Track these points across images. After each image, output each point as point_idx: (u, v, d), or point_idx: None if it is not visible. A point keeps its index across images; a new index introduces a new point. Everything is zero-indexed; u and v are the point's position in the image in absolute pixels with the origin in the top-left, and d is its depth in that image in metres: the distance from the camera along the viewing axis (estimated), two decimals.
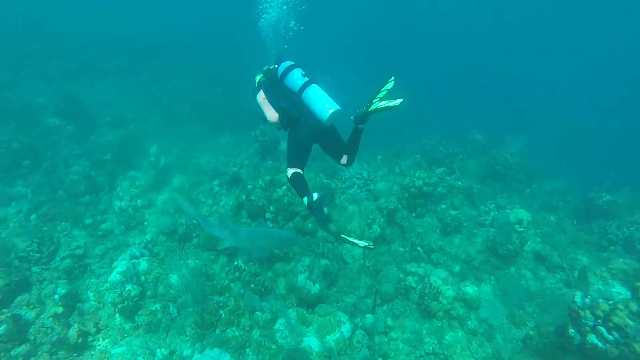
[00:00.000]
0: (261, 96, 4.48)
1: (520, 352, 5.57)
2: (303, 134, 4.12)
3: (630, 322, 4.21)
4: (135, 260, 5.93)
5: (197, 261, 6.78)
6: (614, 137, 17.79)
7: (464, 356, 5.58)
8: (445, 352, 5.52)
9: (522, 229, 7.83)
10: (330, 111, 3.88)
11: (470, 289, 6.20)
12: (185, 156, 12.00)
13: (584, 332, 4.41)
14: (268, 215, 8.14)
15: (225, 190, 10.11)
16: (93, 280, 6.24)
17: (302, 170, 4.12)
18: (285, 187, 8.29)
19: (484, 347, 5.66)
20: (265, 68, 4.56)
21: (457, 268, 6.95)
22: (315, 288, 5.94)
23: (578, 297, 4.71)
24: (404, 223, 8.57)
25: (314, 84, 4.12)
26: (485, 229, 8.58)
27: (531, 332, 5.55)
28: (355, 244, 3.70)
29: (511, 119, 17.11)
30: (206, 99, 16.43)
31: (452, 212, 8.77)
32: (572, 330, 4.50)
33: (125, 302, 5.34)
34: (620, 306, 4.34)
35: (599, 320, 4.36)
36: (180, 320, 5.27)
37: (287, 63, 4.37)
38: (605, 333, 4.24)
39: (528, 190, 11.36)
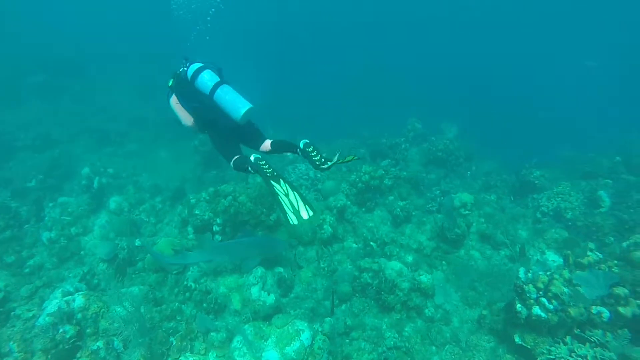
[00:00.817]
0: (174, 100, 4.46)
1: (476, 332, 5.77)
2: (221, 133, 4.24)
3: (565, 289, 4.47)
4: (69, 297, 5.39)
5: (142, 287, 6.34)
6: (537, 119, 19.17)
7: (425, 345, 5.68)
8: (407, 344, 5.57)
9: (466, 212, 8.14)
10: (243, 110, 4.00)
11: (424, 278, 6.32)
12: (122, 175, 11.27)
13: (529, 305, 4.62)
14: (215, 228, 7.82)
15: (169, 206, 9.61)
16: (18, 327, 5.55)
17: (241, 154, 4.26)
18: (230, 197, 8.00)
19: (442, 333, 5.79)
20: (175, 72, 4.52)
21: (410, 258, 7.07)
22: (271, 299, 5.77)
23: (521, 272, 4.93)
24: (354, 219, 8.60)
25: (224, 85, 4.15)
26: (433, 216, 8.83)
27: (484, 312, 5.76)
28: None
29: (445, 107, 17.85)
30: (140, 114, 15.57)
31: (401, 203, 8.93)
32: (519, 305, 4.70)
33: (60, 347, 4.81)
34: (556, 276, 4.61)
35: (541, 292, 4.58)
36: (127, 356, 4.87)
37: (196, 65, 4.33)
38: (546, 303, 4.48)
39: (469, 173, 11.90)
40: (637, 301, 4.45)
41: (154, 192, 10.16)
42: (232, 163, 4.18)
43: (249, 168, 3.98)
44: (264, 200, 8.40)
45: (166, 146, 13.58)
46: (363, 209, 9.26)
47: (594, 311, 4.42)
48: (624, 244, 5.56)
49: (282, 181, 3.90)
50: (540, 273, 4.71)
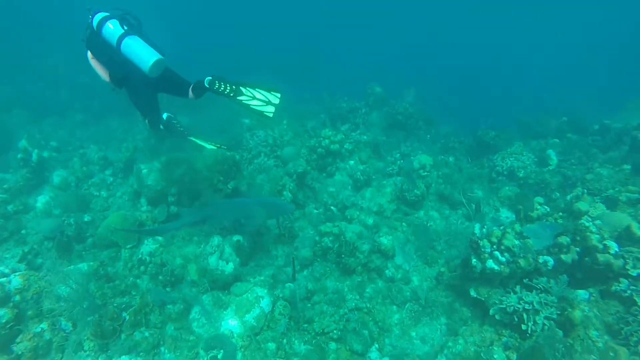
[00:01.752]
0: (89, 55, 4.22)
1: (434, 289, 5.94)
2: (138, 88, 4.04)
3: (516, 242, 4.62)
4: (4, 279, 4.98)
5: (92, 263, 6.00)
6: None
7: (385, 304, 5.78)
8: (368, 305, 5.65)
9: (425, 173, 8.24)
10: (151, 62, 3.78)
11: (384, 240, 6.37)
12: (67, 148, 10.50)
13: (483, 259, 4.75)
14: (170, 198, 7.47)
15: (121, 179, 9.09)
16: None
17: (158, 117, 4.17)
18: (184, 165, 7.63)
19: (402, 292, 5.90)
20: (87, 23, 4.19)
21: (370, 221, 7.09)
22: (229, 267, 5.62)
23: (476, 228, 5.04)
24: (315, 184, 8.50)
25: (131, 36, 3.88)
26: (393, 179, 8.88)
27: (442, 269, 5.91)
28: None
29: (405, 75, 17.80)
30: (84, 80, 14.34)
31: (361, 167, 8.92)
32: (474, 260, 4.83)
33: None
34: (509, 229, 4.74)
35: (494, 246, 4.71)
36: (76, 335, 4.62)
37: (100, 15, 4.01)
38: (499, 256, 4.62)
39: (428, 136, 12.03)
40: (577, 248, 4.67)
41: (104, 165, 9.54)
42: (147, 122, 4.10)
43: (162, 127, 3.96)
44: (220, 167, 8.09)
45: (117, 116, 12.76)
46: (324, 174, 9.17)
47: (540, 260, 4.61)
48: (568, 197, 5.80)
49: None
50: (494, 228, 4.83)
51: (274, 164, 9.60)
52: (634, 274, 4.24)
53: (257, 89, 3.92)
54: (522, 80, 19.80)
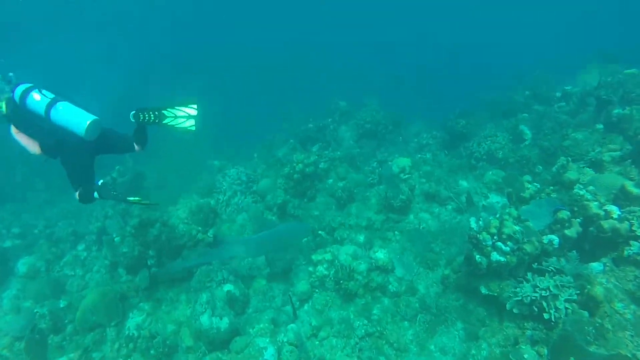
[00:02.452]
0: (14, 130, 3.93)
1: (443, 294, 5.60)
2: (74, 155, 3.83)
3: (516, 228, 4.36)
4: None
5: (73, 355, 5.44)
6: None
7: (396, 322, 5.41)
8: (378, 328, 5.26)
9: (406, 176, 8.00)
10: (86, 125, 3.60)
11: (380, 254, 6.04)
12: (33, 231, 9.85)
13: (487, 253, 4.47)
14: (150, 261, 7.00)
15: (96, 251, 8.53)
16: None
17: (93, 186, 3.96)
18: (158, 223, 7.20)
19: (410, 305, 5.55)
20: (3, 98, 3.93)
21: (361, 238, 6.76)
22: (224, 323, 5.16)
23: (472, 222, 4.78)
24: (297, 212, 8.15)
25: (60, 102, 3.69)
26: (375, 189, 8.62)
27: (446, 272, 5.61)
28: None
29: (363, 83, 17.87)
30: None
31: (340, 184, 8.63)
32: (478, 256, 4.54)
33: None
34: (505, 216, 4.49)
35: (495, 237, 4.45)
36: None
37: (23, 87, 3.78)
38: (502, 246, 4.34)
39: (400, 137, 11.92)
40: (578, 219, 4.46)
41: (74, 241, 8.98)
42: (77, 194, 3.91)
43: (96, 195, 3.82)
44: (196, 217, 7.68)
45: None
46: (305, 199, 8.84)
47: (545, 241, 4.37)
48: (554, 169, 5.63)
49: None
50: (490, 218, 4.57)
51: (252, 200, 9.24)
52: None
53: (176, 108, 3.89)
54: (482, 63, 20.16)
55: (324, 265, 6.09)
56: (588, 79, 9.08)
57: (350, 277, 5.77)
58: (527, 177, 5.32)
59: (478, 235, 4.55)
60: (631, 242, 4.07)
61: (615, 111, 6.75)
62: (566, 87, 9.92)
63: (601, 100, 7.57)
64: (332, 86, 17.73)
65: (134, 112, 3.93)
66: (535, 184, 5.09)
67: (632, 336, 3.76)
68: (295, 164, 8.85)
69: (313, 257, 6.26)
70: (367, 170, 9.54)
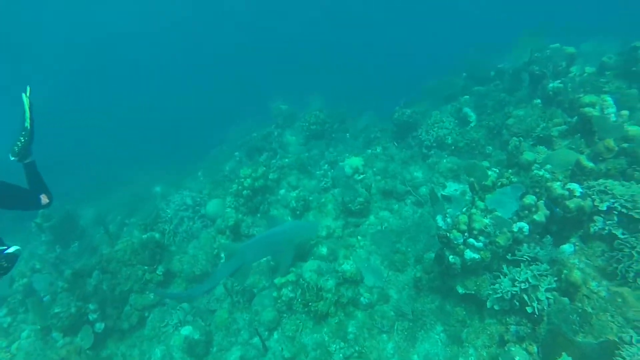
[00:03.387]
0: None
1: (417, 297, 5.32)
2: None
3: (486, 220, 4.14)
4: None
5: None
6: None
7: (374, 336, 5.05)
8: (356, 347, 4.87)
9: (361, 176, 7.69)
10: None
11: (346, 266, 5.64)
12: None
13: (459, 252, 4.21)
14: (92, 316, 6.14)
15: (24, 313, 7.39)
16: None
17: None
18: (96, 271, 6.36)
19: (386, 315, 5.21)
20: None
21: (324, 250, 6.32)
22: None
23: (439, 220, 4.51)
24: (252, 231, 7.59)
25: None
26: (331, 193, 8.24)
27: (417, 273, 5.32)
28: None
29: (303, 82, 17.49)
30: None
31: (294, 194, 8.15)
32: (451, 257, 4.27)
33: None
34: (473, 210, 4.26)
35: (466, 234, 4.19)
36: None
37: None
38: (475, 243, 4.10)
39: (347, 134, 11.66)
40: (541, 201, 4.32)
41: None
42: None
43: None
44: (140, 256, 6.86)
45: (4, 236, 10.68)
46: (258, 215, 8.28)
47: (515, 229, 4.17)
48: (509, 148, 5.53)
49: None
50: (458, 213, 4.32)
51: (201, 225, 8.52)
52: (604, 208, 3.95)
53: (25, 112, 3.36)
54: (419, 50, 20.42)
55: (289, 288, 5.59)
56: (519, 53, 9.26)
57: (318, 296, 5.32)
58: (485, 163, 5.15)
59: (448, 234, 4.27)
60: (595, 217, 3.98)
61: (551, 85, 6.86)
62: (499, 65, 10.13)
63: (534, 75, 7.70)
64: (270, 87, 17.24)
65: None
66: (494, 169, 4.92)
67: (612, 316, 3.65)
68: (243, 180, 8.26)
69: (276, 280, 5.73)
70: (319, 174, 9.15)
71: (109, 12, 30.26)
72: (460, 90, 10.03)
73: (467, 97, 9.56)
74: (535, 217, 4.09)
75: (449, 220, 4.37)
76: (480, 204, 4.26)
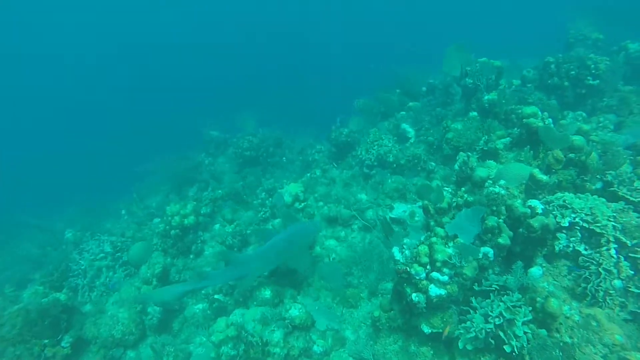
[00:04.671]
0: None
1: (378, 339, 4.69)
2: None
3: (448, 250, 3.67)
4: None
5: None
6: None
7: None
8: None
9: (302, 204, 7.04)
10: None
11: (294, 311, 4.90)
12: None
13: (423, 289, 3.67)
14: None
15: None
16: None
17: None
18: None
19: None
20: None
21: (267, 293, 5.50)
22: None
23: (396, 254, 3.95)
24: (184, 275, 6.58)
25: None
26: (270, 224, 7.49)
27: (375, 313, 4.69)
28: None
29: (236, 106, 16.68)
30: None
31: (229, 229, 7.29)
32: (414, 295, 3.70)
33: None
34: (433, 239, 3.77)
35: (428, 267, 3.67)
36: None
37: None
38: (440, 277, 3.59)
39: (284, 158, 11.04)
40: (501, 219, 3.97)
41: None
42: None
43: None
44: (37, 328, 5.52)
45: None
46: (190, 256, 7.26)
47: (479, 255, 3.74)
48: (455, 167, 5.22)
49: None
50: (416, 244, 3.80)
51: (124, 274, 7.28)
52: (566, 224, 3.68)
53: None
54: (350, 68, 20.49)
55: (229, 345, 4.69)
56: (448, 66, 9.33)
57: (264, 352, 4.50)
58: (436, 182, 4.76)
59: (408, 268, 3.73)
60: (558, 234, 3.70)
61: (486, 97, 6.83)
62: (430, 81, 10.19)
63: (468, 89, 7.70)
64: (200, 113, 16.17)
65: None
66: (446, 188, 4.55)
67: (594, 346, 3.30)
68: (170, 218, 7.22)
69: (213, 337, 4.79)
70: (257, 203, 8.35)
71: None
72: (395, 106, 9.89)
73: (404, 113, 9.43)
74: (499, 240, 3.70)
75: (407, 252, 3.84)
76: (440, 231, 3.79)
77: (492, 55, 8.97)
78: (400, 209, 6.46)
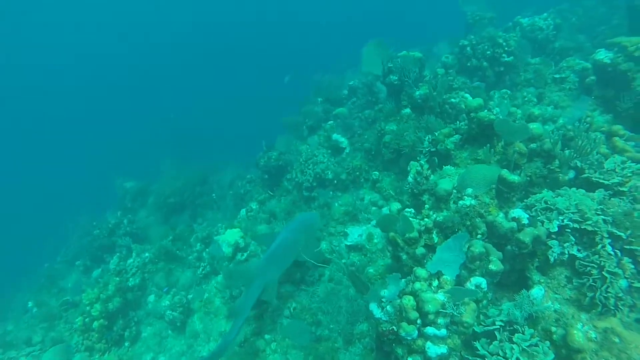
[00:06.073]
0: None
1: None
2: None
3: (439, 296, 2.98)
4: None
5: None
6: None
7: None
8: None
9: (244, 254, 6.04)
10: None
11: None
12: None
13: (419, 349, 2.93)
14: None
15: None
16: None
17: None
18: None
19: None
20: None
21: None
22: None
23: (375, 311, 3.17)
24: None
25: None
26: (213, 284, 6.36)
27: None
28: None
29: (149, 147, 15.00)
30: None
31: (166, 301, 6.07)
32: (410, 358, 2.94)
33: None
34: (417, 284, 3.05)
35: (419, 321, 2.94)
36: None
37: None
38: (437, 332, 2.87)
39: (213, 195, 9.89)
40: (485, 242, 3.34)
41: None
42: None
43: None
44: None
45: None
46: (126, 344, 5.92)
47: (479, 294, 3.10)
48: (409, 179, 4.56)
49: None
50: (397, 297, 3.05)
51: None
52: (556, 229, 3.17)
53: None
54: (265, 86, 19.45)
55: None
56: (366, 69, 8.87)
57: None
58: (396, 205, 4.08)
59: (395, 328, 2.97)
60: (549, 242, 3.18)
61: (417, 93, 6.38)
62: (350, 83, 9.71)
63: (394, 86, 7.24)
64: (110, 163, 14.32)
65: None
66: (408, 210, 3.88)
67: None
68: (89, 308, 5.82)
69: None
70: (192, 259, 7.18)
71: None
72: (320, 117, 9.23)
73: (332, 122, 8.79)
74: (491, 267, 3.08)
75: (388, 308, 3.08)
76: (422, 273, 3.09)
77: (405, 48, 8.72)
78: (355, 234, 5.76)
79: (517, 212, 3.18)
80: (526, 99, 7.02)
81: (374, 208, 6.32)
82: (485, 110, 4.26)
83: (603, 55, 6.01)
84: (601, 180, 3.47)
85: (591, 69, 6.31)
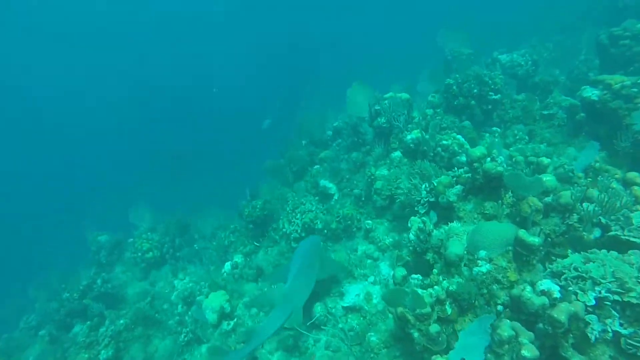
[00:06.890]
0: None
1: None
2: None
3: None
4: None
5: None
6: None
7: None
8: None
9: (231, 322, 5.42)
10: None
11: None
12: None
13: None
14: None
15: None
16: None
17: None
18: None
19: None
20: None
21: None
22: None
23: None
24: None
25: None
26: (197, 352, 5.68)
27: None
28: None
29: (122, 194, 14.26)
30: None
31: None
32: None
33: None
34: None
35: None
36: None
37: None
38: None
39: (195, 245, 9.24)
40: (515, 323, 2.89)
41: None
42: None
43: None
44: None
45: None
46: None
47: None
48: (411, 236, 4.14)
49: None
50: None
51: None
52: (593, 302, 2.77)
53: None
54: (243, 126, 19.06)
55: None
56: (352, 111, 8.63)
57: None
58: (401, 271, 3.63)
59: None
60: (587, 318, 2.78)
61: (409, 137, 6.11)
62: (334, 124, 9.44)
63: (382, 128, 6.99)
64: (82, 213, 13.48)
65: None
66: (416, 277, 3.44)
67: None
68: None
69: None
70: (173, 323, 6.48)
71: None
72: (307, 160, 8.85)
73: (318, 166, 8.43)
74: (524, 352, 2.63)
75: None
76: None
77: (385, 87, 8.55)
78: (352, 294, 5.25)
79: (546, 283, 2.78)
80: (517, 137, 6.85)
81: (369, 261, 5.86)
82: (489, 160, 3.94)
83: (590, 93, 5.93)
84: (632, 239, 3.12)
85: (579, 105, 6.21)
